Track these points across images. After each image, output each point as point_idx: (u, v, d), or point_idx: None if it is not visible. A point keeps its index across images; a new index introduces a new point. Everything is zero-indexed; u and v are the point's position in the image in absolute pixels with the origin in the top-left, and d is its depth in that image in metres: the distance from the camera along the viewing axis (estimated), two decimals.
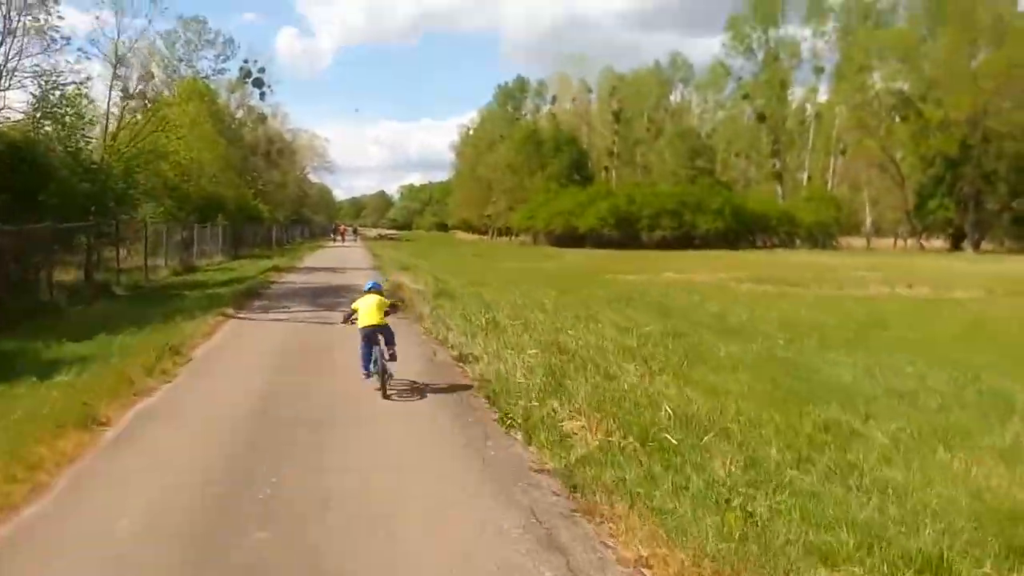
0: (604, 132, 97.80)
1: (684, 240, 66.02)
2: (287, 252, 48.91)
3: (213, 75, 70.33)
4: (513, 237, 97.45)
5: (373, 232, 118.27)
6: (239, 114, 73.36)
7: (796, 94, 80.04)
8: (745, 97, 79.42)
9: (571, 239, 68.24)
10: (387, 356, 8.62)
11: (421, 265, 29.62)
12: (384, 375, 8.46)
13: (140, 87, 42.05)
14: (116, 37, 27.24)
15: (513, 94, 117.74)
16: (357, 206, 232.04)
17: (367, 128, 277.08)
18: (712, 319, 14.60)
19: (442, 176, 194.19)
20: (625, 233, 66.51)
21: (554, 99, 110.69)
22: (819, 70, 77.83)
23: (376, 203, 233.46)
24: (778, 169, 79.62)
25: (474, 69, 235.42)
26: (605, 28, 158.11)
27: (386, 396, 8.38)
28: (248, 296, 18.08)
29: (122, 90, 36.21)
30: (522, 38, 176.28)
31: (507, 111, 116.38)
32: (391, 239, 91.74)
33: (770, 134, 79.19)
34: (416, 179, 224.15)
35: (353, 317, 9.03)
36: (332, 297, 17.89)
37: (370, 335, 8.70)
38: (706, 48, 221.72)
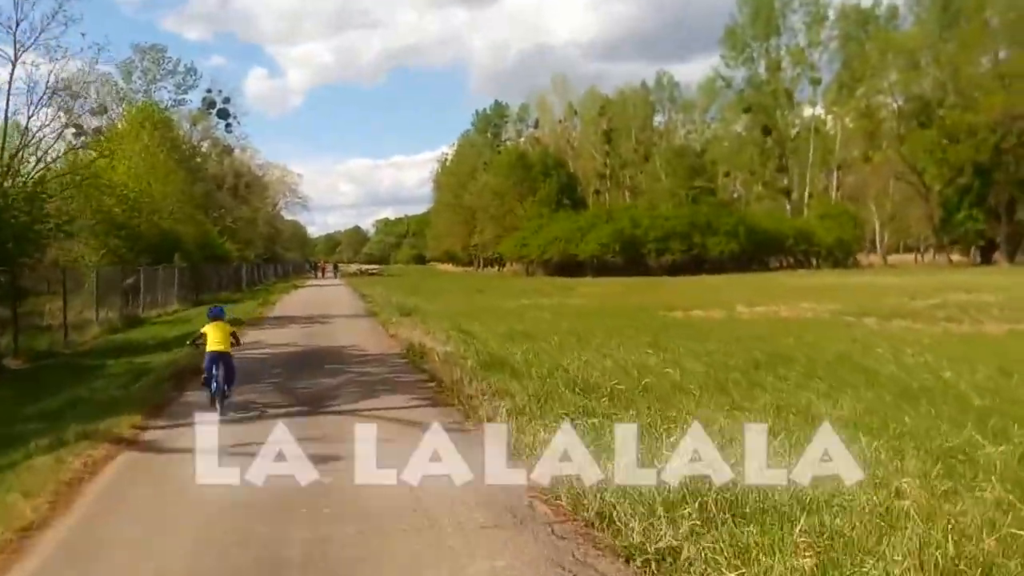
0: (592, 155, 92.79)
1: (695, 264, 60.59)
2: (258, 294, 42.61)
3: (174, 105, 65.56)
4: (501, 267, 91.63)
5: (352, 267, 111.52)
6: (203, 146, 67.23)
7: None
8: (747, 110, 74.63)
9: (570, 267, 62.53)
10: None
11: (424, 308, 23.50)
12: (221, 396, 9.06)
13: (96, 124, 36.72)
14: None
15: (492, 120, 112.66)
16: (332, 242, 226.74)
17: (338, 165, 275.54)
18: (978, 391, 8.68)
19: (415, 211, 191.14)
20: (630, 259, 60.96)
21: (536, 123, 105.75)
22: (816, 81, 73.47)
23: (351, 238, 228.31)
24: (785, 185, 74.74)
25: (443, 104, 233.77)
26: (571, 58, 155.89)
27: (222, 413, 8.80)
28: (179, 382, 11.42)
29: (75, 126, 30.69)
30: (489, 71, 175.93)
31: (487, 137, 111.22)
32: (372, 274, 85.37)
33: (775, 148, 74.38)
34: (389, 214, 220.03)
35: (198, 341, 9.56)
36: (321, 377, 11.57)
37: (213, 359, 9.13)
38: (676, 75, 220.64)
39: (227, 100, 68.76)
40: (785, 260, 65.65)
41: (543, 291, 36.32)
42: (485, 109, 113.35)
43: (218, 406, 8.89)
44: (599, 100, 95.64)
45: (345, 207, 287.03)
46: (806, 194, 74.37)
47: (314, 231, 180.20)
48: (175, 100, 63.28)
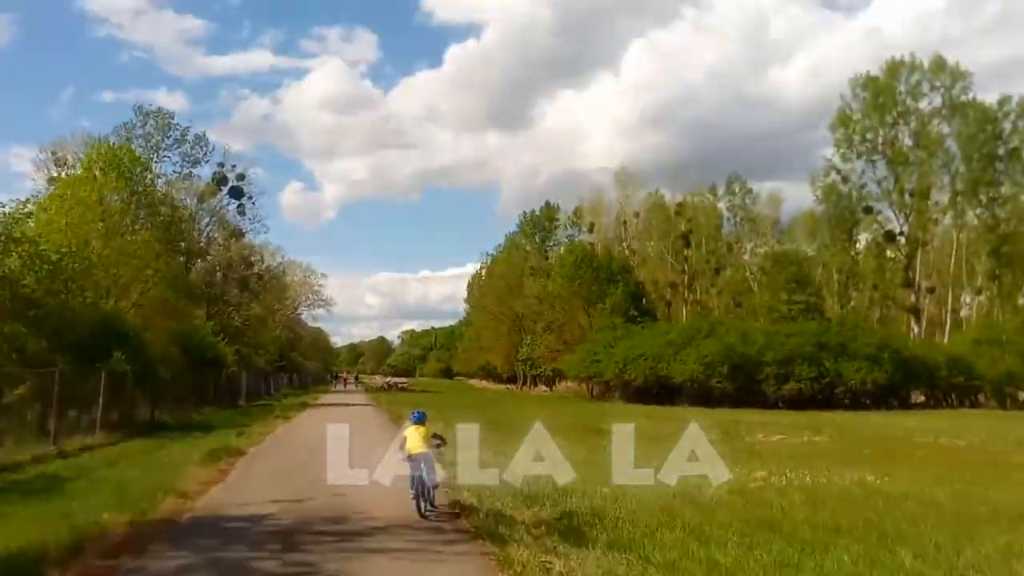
0: (662, 261, 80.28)
1: (824, 395, 46.50)
2: (254, 417, 29.19)
3: (178, 178, 54.38)
4: (552, 387, 77.46)
5: (377, 380, 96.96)
6: (208, 229, 55.62)
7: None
8: (868, 211, 62.02)
9: (658, 392, 48.59)
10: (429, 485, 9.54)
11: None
12: (423, 497, 9.58)
13: None
14: None
15: (541, 223, 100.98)
16: (355, 352, 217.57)
17: (366, 279, 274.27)
18: None
19: (439, 325, 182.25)
20: (741, 385, 46.96)
21: (592, 226, 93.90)
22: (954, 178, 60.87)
23: (375, 349, 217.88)
24: (914, 303, 61.06)
25: (472, 222, 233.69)
26: (600, 185, 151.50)
27: (423, 515, 9.40)
28: None
29: None
30: (519, 192, 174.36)
31: (535, 242, 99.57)
32: (403, 388, 71.44)
33: (901, 256, 61.30)
34: (414, 327, 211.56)
35: (403, 446, 9.80)
36: None
37: (415, 462, 9.59)
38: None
39: (241, 177, 57.56)
40: (934, 396, 51.30)
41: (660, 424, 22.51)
42: (534, 210, 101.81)
43: (423, 506, 9.49)
44: (661, 204, 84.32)
45: (370, 319, 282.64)
46: (946, 314, 60.38)
47: (338, 341, 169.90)
48: (180, 173, 52.57)
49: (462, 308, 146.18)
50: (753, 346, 47.47)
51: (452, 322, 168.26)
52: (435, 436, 10.09)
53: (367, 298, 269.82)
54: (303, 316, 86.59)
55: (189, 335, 35.64)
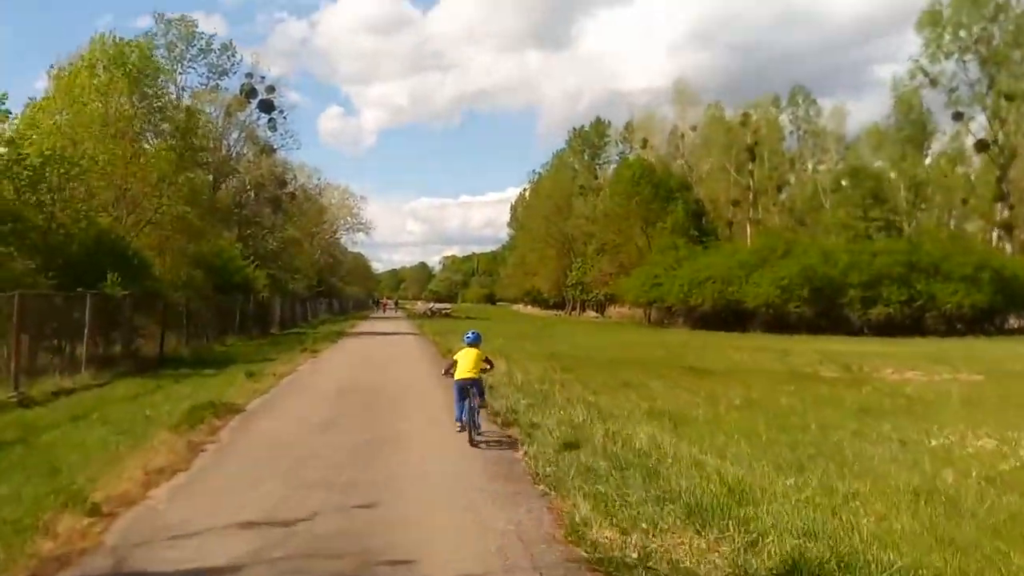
0: (722, 177, 74.39)
1: (914, 321, 41.70)
2: (282, 347, 25.84)
3: (205, 90, 50.16)
4: (603, 313, 73.45)
5: (419, 306, 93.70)
6: (238, 145, 51.65)
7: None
8: (958, 117, 55.50)
9: (727, 318, 44.26)
10: (477, 408, 8.99)
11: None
12: (473, 426, 8.81)
13: None
14: None
15: (590, 139, 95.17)
16: (396, 278, 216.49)
17: (406, 205, 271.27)
18: None
19: (480, 251, 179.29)
20: (821, 310, 42.35)
21: (645, 143, 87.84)
22: None
23: (416, 275, 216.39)
24: (1006, 218, 55.08)
25: (512, 146, 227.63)
26: (644, 106, 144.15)
27: (473, 444, 8.62)
28: None
29: None
30: (559, 115, 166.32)
31: (584, 159, 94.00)
32: (446, 315, 67.96)
33: (991, 167, 55.05)
34: (455, 252, 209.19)
35: (451, 370, 9.38)
36: None
37: (463, 388, 9.02)
38: None
39: (271, 89, 52.93)
40: None
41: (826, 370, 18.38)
42: (583, 127, 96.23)
43: (470, 435, 8.76)
44: (720, 118, 77.77)
45: (411, 245, 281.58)
46: None
47: (379, 267, 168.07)
48: (206, 85, 48.32)
49: (503, 233, 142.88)
50: (836, 267, 42.59)
51: (493, 247, 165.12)
52: (486, 360, 9.63)
53: (408, 224, 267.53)
54: (342, 240, 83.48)
55: (213, 258, 32.26)
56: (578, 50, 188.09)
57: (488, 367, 9.70)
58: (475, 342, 9.60)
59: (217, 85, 48.08)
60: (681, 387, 14.87)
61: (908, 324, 41.74)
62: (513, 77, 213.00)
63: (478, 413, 9.01)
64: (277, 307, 39.72)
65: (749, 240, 64.99)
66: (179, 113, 30.88)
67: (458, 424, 9.11)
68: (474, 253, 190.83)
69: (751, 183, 68.26)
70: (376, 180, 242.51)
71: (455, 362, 9.37)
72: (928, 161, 62.70)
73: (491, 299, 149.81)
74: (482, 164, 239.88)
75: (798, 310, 42.31)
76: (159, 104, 28.57)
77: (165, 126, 29.62)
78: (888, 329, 40.61)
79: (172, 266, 26.59)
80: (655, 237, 54.51)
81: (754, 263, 44.86)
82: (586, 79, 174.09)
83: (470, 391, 8.89)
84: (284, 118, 53.87)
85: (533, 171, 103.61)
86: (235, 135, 51.37)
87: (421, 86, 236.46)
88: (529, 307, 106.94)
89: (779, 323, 42.53)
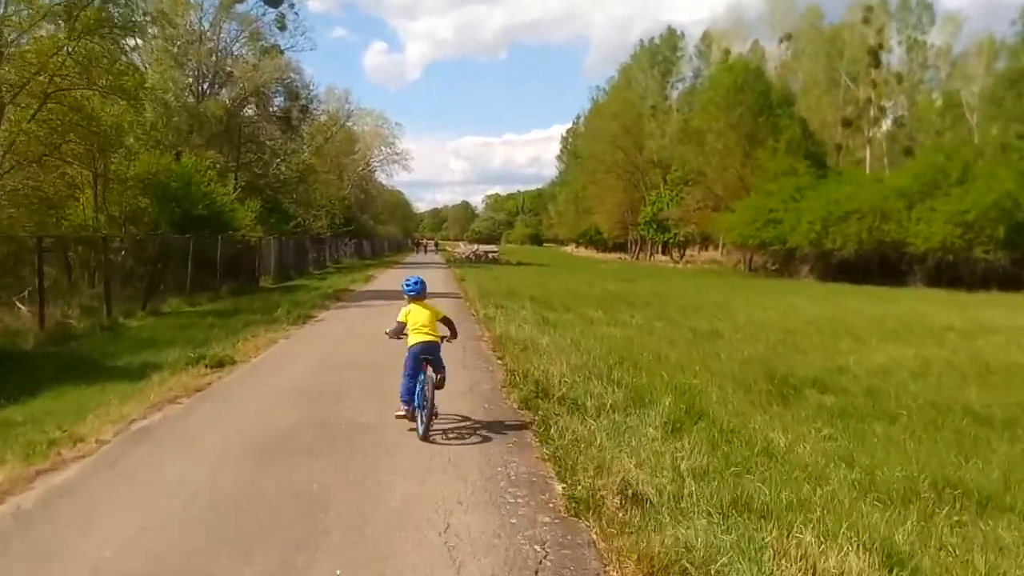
0: (826, 93, 61.19)
1: None
2: (248, 317, 15.31)
3: None
4: (682, 256, 61.79)
5: (461, 248, 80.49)
6: (236, 46, 40.47)
7: None
8: None
9: (874, 266, 32.74)
10: (432, 385, 6.33)
11: None
12: (428, 412, 6.29)
13: None
14: None
15: (661, 53, 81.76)
16: (439, 218, 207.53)
17: (450, 143, 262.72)
18: None
19: (525, 190, 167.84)
20: (1017, 257, 30.55)
21: (726, 53, 74.45)
22: None
23: (458, 215, 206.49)
24: None
25: (559, 82, 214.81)
26: (695, 39, 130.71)
27: (426, 438, 6.18)
28: None
29: None
30: (608, 49, 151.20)
31: (654, 76, 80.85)
32: (494, 260, 56.83)
33: None
34: (499, 191, 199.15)
35: (404, 331, 6.64)
36: None
37: (418, 356, 6.46)
38: None
39: None
40: None
41: None
42: (652, 38, 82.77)
43: (421, 425, 6.27)
44: (818, 27, 64.03)
45: (454, 184, 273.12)
46: None
47: (421, 207, 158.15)
48: None
49: (547, 172, 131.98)
50: None
51: (538, 185, 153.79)
52: (444, 320, 6.81)
53: (451, 163, 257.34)
54: (376, 175, 72.71)
55: (169, 180, 21.71)
56: None
57: (448, 332, 6.82)
58: (420, 293, 6.73)
59: None
60: None
61: None
62: (562, 7, 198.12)
63: (432, 391, 6.28)
64: (271, 253, 29.16)
65: (868, 167, 52.60)
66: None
67: (404, 409, 6.54)
68: (519, 191, 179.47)
69: (871, 95, 54.99)
70: (420, 118, 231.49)
71: (404, 323, 6.60)
72: None
73: (536, 240, 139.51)
74: (527, 101, 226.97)
75: (987, 256, 30.50)
76: None
77: None
78: None
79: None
80: (772, 160, 42.19)
81: (917, 192, 32.90)
82: (636, 9, 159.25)
83: (427, 361, 6.37)
84: (295, 13, 42.66)
85: (597, 87, 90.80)
86: (232, 30, 40.34)
87: (468, 18, 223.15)
88: (582, 249, 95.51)
89: (950, 275, 30.91)
